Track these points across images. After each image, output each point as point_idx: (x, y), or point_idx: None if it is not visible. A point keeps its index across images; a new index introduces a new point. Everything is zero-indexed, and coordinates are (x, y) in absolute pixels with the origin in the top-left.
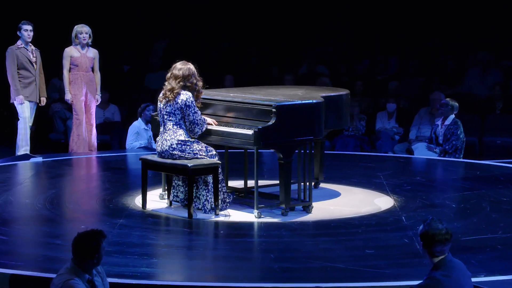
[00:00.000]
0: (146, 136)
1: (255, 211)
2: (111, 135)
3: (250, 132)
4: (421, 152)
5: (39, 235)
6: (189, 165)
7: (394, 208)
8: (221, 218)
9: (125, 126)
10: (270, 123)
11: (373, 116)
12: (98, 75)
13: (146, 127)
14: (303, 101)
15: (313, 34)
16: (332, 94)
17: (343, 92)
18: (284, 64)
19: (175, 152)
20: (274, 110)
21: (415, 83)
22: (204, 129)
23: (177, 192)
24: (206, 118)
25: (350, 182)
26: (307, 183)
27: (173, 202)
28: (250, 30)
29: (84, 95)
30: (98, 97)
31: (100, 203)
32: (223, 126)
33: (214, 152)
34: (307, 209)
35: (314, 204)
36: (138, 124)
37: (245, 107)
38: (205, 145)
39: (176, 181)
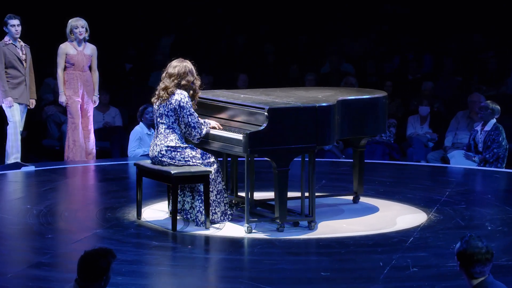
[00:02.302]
0: (150, 141)
1: (245, 226)
2: (112, 141)
3: (240, 137)
4: (458, 161)
5: (31, 252)
6: (172, 172)
7: (416, 228)
8: (208, 232)
9: (127, 131)
10: (261, 128)
11: (404, 120)
12: (96, 74)
13: (149, 132)
14: (304, 105)
15: (337, 28)
16: (367, 96)
17: (380, 94)
18: (305, 63)
19: (164, 159)
20: (266, 114)
21: (451, 84)
22: (203, 133)
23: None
24: (209, 121)
25: (390, 196)
26: (308, 196)
27: None
28: (266, 24)
29: (81, 96)
30: (96, 98)
31: (99, 216)
32: (226, 131)
33: (212, 160)
34: (309, 225)
35: (333, 222)
36: (140, 129)
37: (245, 111)
38: (202, 151)
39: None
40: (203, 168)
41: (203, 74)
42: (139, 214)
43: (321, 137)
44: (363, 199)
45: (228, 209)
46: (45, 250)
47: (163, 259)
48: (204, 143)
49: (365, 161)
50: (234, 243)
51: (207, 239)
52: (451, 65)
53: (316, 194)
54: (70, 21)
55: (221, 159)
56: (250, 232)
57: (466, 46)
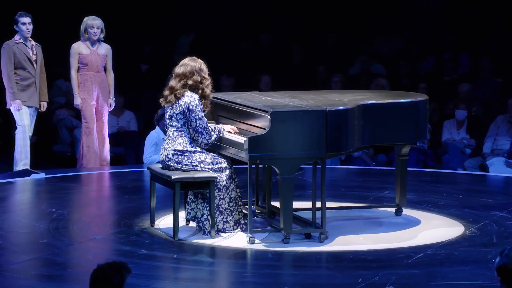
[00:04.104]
0: None
1: (248, 236)
2: (126, 147)
3: (241, 140)
4: (498, 168)
5: (41, 265)
6: (173, 177)
7: (436, 244)
8: (210, 241)
9: (142, 136)
10: (263, 132)
11: (439, 125)
12: (111, 76)
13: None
14: (312, 108)
15: (367, 26)
16: (404, 100)
17: (420, 98)
18: (333, 63)
19: (170, 163)
20: (269, 117)
21: (490, 85)
22: (212, 139)
23: (190, 209)
24: (224, 126)
25: (436, 209)
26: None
27: (190, 220)
28: (291, 22)
29: (95, 99)
30: (112, 101)
31: (113, 224)
32: (243, 135)
33: (224, 165)
34: (319, 237)
35: (353, 236)
36: (156, 134)
37: (256, 114)
38: (215, 156)
39: (190, 197)
40: (208, 174)
41: (224, 76)
42: (152, 221)
43: (333, 144)
44: (407, 212)
45: (242, 218)
46: (23, 255)
47: (138, 268)
48: (219, 148)
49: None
50: (224, 254)
51: (201, 248)
52: (490, 65)
53: (358, 205)
54: (86, 19)
55: (254, 166)
56: (252, 242)
57: (506, 45)
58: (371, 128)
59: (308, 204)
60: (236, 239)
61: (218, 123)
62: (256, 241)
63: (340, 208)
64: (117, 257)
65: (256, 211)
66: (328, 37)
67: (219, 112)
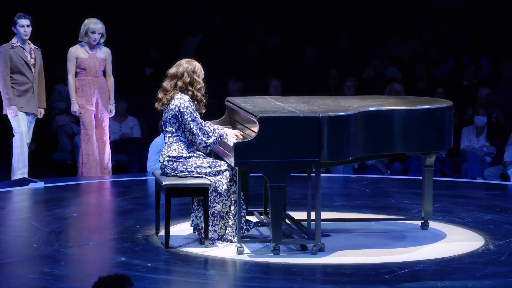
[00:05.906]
0: None
1: (237, 246)
2: (129, 154)
3: (231, 144)
4: None
5: (40, 279)
6: (163, 183)
7: (434, 260)
8: (199, 250)
9: (146, 143)
10: (250, 138)
11: (458, 131)
12: (111, 80)
13: None
14: (304, 115)
15: (382, 28)
16: (421, 107)
17: (444, 104)
18: (346, 67)
19: (167, 170)
20: (257, 122)
21: (511, 90)
22: (211, 141)
23: (193, 217)
24: (228, 130)
25: (458, 220)
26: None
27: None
28: (302, 23)
29: (95, 105)
30: (112, 107)
31: (116, 234)
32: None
33: (223, 168)
34: (312, 249)
35: (354, 250)
36: (160, 141)
37: (251, 119)
38: (214, 160)
39: (194, 204)
40: (201, 180)
41: (231, 80)
42: (157, 228)
43: (328, 151)
44: (436, 225)
45: (245, 224)
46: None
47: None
48: (223, 155)
49: (414, 177)
50: (204, 264)
51: (185, 257)
52: (511, 69)
53: (384, 216)
54: (87, 22)
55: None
56: (240, 253)
57: None
58: (377, 136)
59: (323, 215)
60: (227, 249)
61: (235, 129)
62: (246, 251)
63: (363, 220)
64: (91, 264)
65: (264, 220)
66: (341, 39)
67: (235, 117)
